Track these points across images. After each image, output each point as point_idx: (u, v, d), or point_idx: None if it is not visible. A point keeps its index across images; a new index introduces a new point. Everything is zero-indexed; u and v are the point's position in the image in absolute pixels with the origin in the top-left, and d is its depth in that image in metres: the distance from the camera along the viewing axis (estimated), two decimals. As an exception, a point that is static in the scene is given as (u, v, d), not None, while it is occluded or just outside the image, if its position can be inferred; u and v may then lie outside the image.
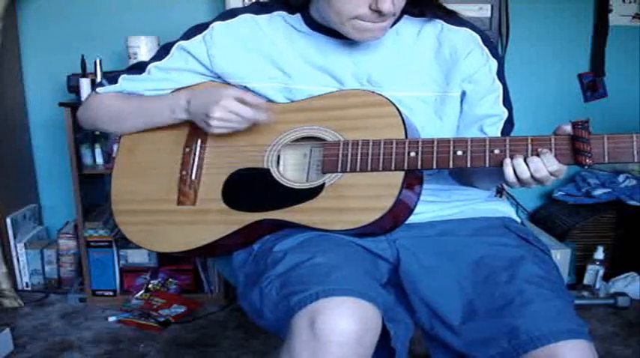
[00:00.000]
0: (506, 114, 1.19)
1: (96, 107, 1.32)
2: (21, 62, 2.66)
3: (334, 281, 0.95)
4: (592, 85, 2.78)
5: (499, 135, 1.17)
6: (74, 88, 2.33)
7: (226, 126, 1.15)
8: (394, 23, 1.15)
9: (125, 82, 1.28)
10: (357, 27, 1.09)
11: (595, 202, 2.58)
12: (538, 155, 1.00)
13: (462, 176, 1.21)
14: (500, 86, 1.18)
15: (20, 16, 2.62)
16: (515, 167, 1.00)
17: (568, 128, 1.00)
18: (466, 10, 1.21)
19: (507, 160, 1.01)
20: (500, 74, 1.19)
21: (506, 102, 1.19)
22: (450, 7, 1.19)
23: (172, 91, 1.26)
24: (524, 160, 1.00)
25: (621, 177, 2.60)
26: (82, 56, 2.30)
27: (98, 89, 1.30)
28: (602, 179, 2.63)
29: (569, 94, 2.79)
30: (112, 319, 2.28)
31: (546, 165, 0.99)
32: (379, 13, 1.05)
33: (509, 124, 1.19)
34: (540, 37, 2.73)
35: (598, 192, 2.58)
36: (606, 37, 2.72)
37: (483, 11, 2.28)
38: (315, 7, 1.15)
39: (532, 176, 1.00)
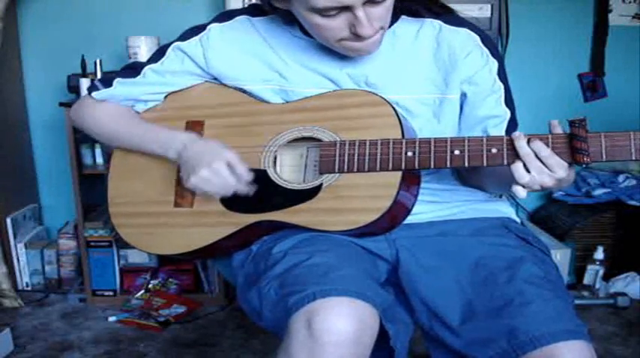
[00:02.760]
0: (508, 114, 1.18)
1: (87, 118, 1.30)
2: (21, 62, 2.66)
3: (332, 282, 0.95)
4: (592, 85, 2.78)
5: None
6: (74, 88, 2.34)
7: (203, 188, 1.13)
8: (391, 24, 1.14)
9: (120, 86, 1.26)
10: (347, 47, 1.08)
11: (595, 202, 2.58)
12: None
13: (472, 178, 1.21)
14: (502, 86, 1.17)
15: (20, 16, 2.62)
16: (523, 158, 0.98)
17: (558, 126, 0.99)
18: (466, 10, 1.20)
19: (517, 164, 0.99)
20: (502, 74, 1.17)
21: (509, 102, 1.18)
22: (452, 8, 1.18)
23: (171, 130, 1.23)
24: (528, 143, 0.98)
25: (621, 177, 2.60)
26: (82, 56, 2.30)
27: (94, 94, 1.28)
28: (602, 179, 2.63)
29: (569, 94, 2.79)
30: (112, 319, 2.28)
31: (536, 151, 0.97)
32: (360, 36, 1.04)
33: (513, 124, 1.18)
34: (540, 37, 2.73)
35: (598, 192, 2.58)
36: (606, 37, 2.72)
37: (483, 11, 2.28)
38: None
39: (537, 156, 0.97)
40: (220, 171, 1.11)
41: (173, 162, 1.21)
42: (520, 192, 1.00)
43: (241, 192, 1.13)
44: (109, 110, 1.28)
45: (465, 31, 1.16)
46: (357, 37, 1.05)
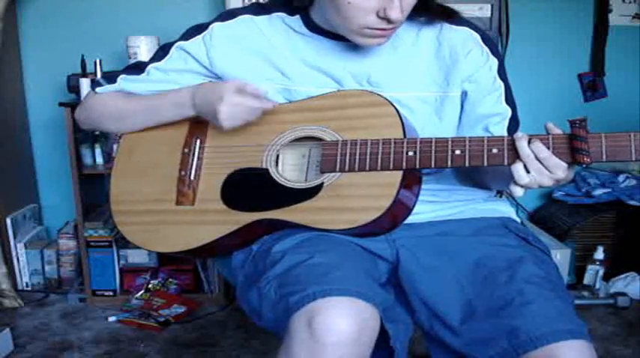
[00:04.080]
0: (509, 112, 1.18)
1: (95, 106, 1.31)
2: (21, 62, 2.66)
3: (332, 281, 0.95)
4: (592, 85, 2.78)
5: (505, 133, 1.16)
6: (74, 88, 2.34)
7: (236, 119, 1.15)
8: None
9: (124, 83, 1.27)
10: (365, 34, 1.08)
11: (595, 202, 2.58)
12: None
13: (470, 175, 1.21)
14: (502, 85, 1.18)
15: (20, 16, 2.62)
16: (524, 159, 0.98)
17: (554, 127, 0.99)
18: (466, 10, 1.21)
19: (518, 165, 0.99)
20: (502, 72, 1.18)
21: (509, 100, 1.19)
22: (453, 9, 1.19)
23: (172, 90, 1.25)
24: (528, 144, 0.98)
25: (621, 177, 2.60)
26: (82, 56, 2.31)
27: (97, 89, 1.30)
28: (602, 179, 2.63)
29: (569, 94, 2.79)
30: (112, 319, 2.28)
31: (536, 152, 0.97)
32: (387, 20, 1.04)
33: (514, 122, 1.18)
34: (540, 37, 2.73)
35: (598, 192, 2.58)
36: (606, 37, 2.72)
37: (483, 11, 2.28)
38: (319, 11, 1.15)
39: (537, 158, 0.98)
40: (234, 100, 1.13)
41: (175, 154, 1.23)
42: (518, 191, 1.01)
43: (269, 107, 1.15)
44: (115, 94, 1.29)
45: (465, 30, 1.17)
46: (382, 21, 1.05)
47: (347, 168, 1.09)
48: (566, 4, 2.72)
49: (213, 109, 1.14)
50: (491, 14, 2.29)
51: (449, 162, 1.04)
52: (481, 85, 1.16)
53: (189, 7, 2.61)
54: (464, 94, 1.17)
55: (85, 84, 2.24)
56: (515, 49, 2.64)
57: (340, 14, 1.07)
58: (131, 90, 1.28)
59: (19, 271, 2.57)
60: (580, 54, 2.78)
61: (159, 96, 1.26)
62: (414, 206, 1.12)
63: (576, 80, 2.80)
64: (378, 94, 1.11)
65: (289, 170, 1.19)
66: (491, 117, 1.17)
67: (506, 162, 1.01)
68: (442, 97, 1.16)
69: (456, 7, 1.19)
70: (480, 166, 1.03)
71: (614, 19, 2.72)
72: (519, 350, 0.95)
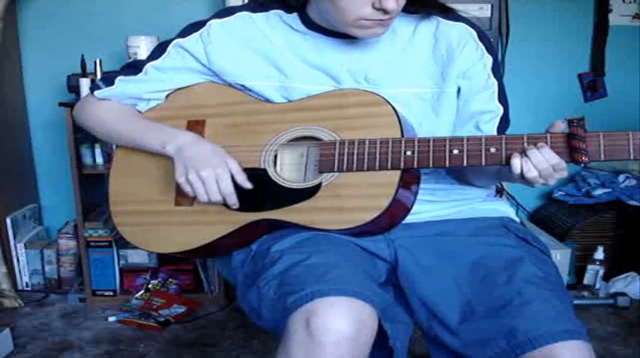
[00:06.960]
0: (501, 110, 1.18)
1: (90, 116, 1.31)
2: (21, 62, 2.66)
3: (330, 281, 0.95)
4: (592, 85, 2.77)
5: (495, 132, 1.17)
6: (74, 88, 2.34)
7: (196, 190, 1.13)
8: None
9: (122, 84, 1.27)
10: (361, 25, 1.08)
11: (595, 202, 2.58)
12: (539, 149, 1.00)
13: (461, 173, 1.21)
14: (496, 82, 1.18)
15: (20, 16, 2.62)
16: (522, 163, 1.00)
17: (562, 125, 1.00)
18: (466, 10, 1.21)
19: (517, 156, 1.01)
20: (496, 70, 1.18)
21: (502, 98, 1.19)
22: (450, 6, 1.19)
23: (172, 127, 1.23)
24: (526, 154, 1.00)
25: (621, 177, 2.60)
26: (82, 56, 2.31)
27: (96, 92, 1.28)
28: (602, 179, 2.63)
29: (569, 94, 2.79)
30: (112, 319, 2.28)
31: (547, 159, 0.99)
32: (383, 11, 1.04)
33: (504, 121, 1.19)
34: (540, 37, 2.73)
35: (598, 192, 2.58)
36: (606, 37, 2.72)
37: (483, 11, 2.28)
38: (315, 7, 1.15)
39: (536, 167, 0.99)
40: (222, 177, 1.12)
41: (168, 158, 1.20)
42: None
43: (230, 203, 1.14)
44: (110, 108, 1.28)
45: (462, 26, 1.17)
46: (377, 13, 1.05)
47: (345, 168, 1.09)
48: (566, 4, 2.72)
49: (197, 166, 1.12)
50: (491, 14, 2.29)
51: (447, 162, 1.04)
52: (474, 82, 1.17)
53: (190, 7, 2.61)
54: (459, 91, 1.17)
55: (85, 84, 2.24)
56: (515, 49, 2.64)
57: (336, 7, 1.07)
58: (130, 93, 1.27)
59: (19, 271, 2.57)
60: (580, 54, 2.78)
61: (150, 126, 1.24)
62: (412, 205, 1.12)
63: (576, 80, 2.80)
64: (376, 94, 1.11)
65: (287, 170, 1.19)
66: (482, 114, 1.17)
67: (504, 162, 1.02)
68: (438, 93, 1.17)
69: (456, 6, 1.19)
70: (478, 166, 1.03)
71: (614, 19, 2.71)
72: (518, 350, 0.95)
